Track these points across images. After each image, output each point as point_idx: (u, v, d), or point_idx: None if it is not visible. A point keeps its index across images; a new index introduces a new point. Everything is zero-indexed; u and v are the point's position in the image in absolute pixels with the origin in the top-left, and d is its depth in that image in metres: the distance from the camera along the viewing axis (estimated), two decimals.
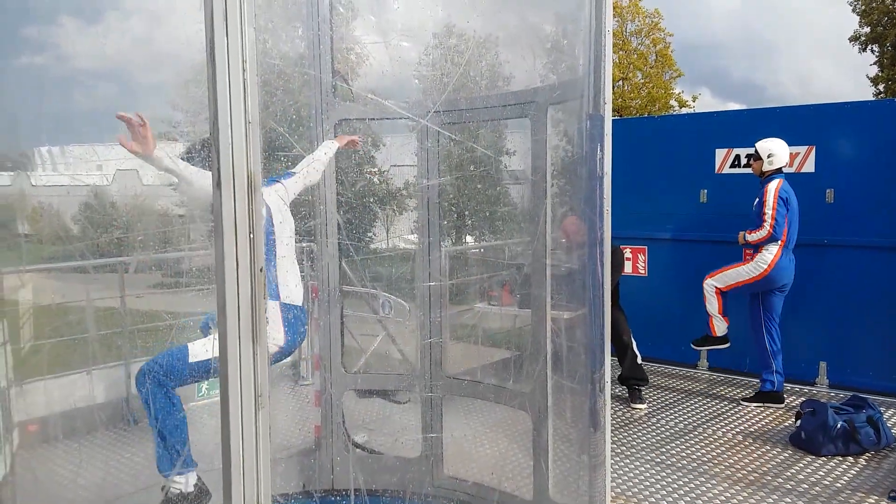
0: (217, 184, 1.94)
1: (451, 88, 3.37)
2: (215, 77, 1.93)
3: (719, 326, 6.00)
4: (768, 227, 5.67)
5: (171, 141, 4.44)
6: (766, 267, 5.74)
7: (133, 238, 4.34)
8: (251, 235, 1.97)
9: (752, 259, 5.82)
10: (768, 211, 5.68)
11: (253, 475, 1.98)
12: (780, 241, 5.70)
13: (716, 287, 5.94)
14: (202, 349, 3.09)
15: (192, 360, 3.08)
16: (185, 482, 3.10)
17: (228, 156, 1.94)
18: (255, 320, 1.98)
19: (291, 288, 3.31)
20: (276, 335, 3.22)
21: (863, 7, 25.68)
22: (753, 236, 5.77)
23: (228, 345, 1.95)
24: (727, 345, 6.06)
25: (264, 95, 3.35)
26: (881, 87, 25.89)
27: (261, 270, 2.00)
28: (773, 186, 5.74)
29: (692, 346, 6.25)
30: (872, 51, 26.15)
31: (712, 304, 5.96)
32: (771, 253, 5.73)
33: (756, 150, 5.92)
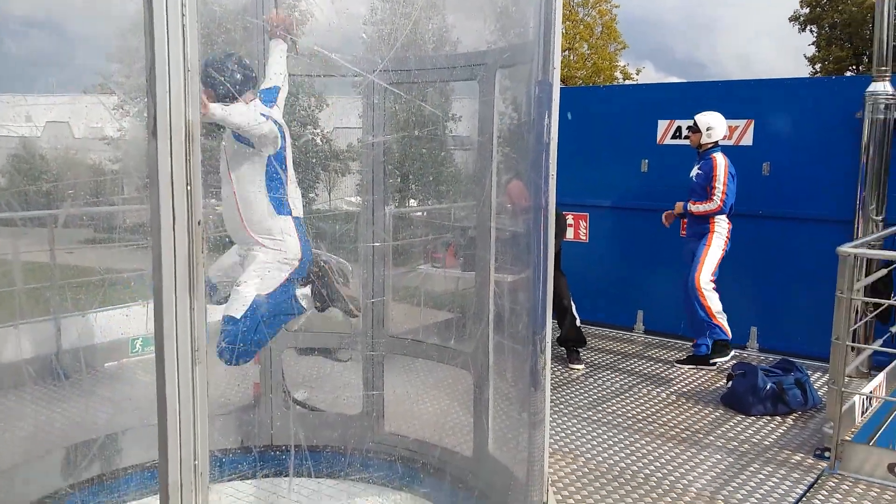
0: (153, 133, 1.87)
1: (399, 45, 3.33)
2: (153, 22, 1.85)
3: (727, 326, 5.96)
4: (718, 201, 5.83)
5: (107, 94, 4.29)
6: (725, 237, 5.93)
7: (63, 190, 4.19)
8: (188, 187, 1.92)
9: (715, 236, 5.91)
10: (719, 185, 5.82)
11: (190, 430, 1.95)
12: (727, 213, 5.87)
13: (712, 282, 5.90)
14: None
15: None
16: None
17: (165, 104, 1.87)
18: (193, 274, 1.94)
19: (296, 201, 3.41)
20: (295, 250, 3.35)
21: None
22: (700, 207, 5.90)
23: (164, 298, 1.90)
24: (732, 351, 6.11)
25: (205, 46, 3.23)
26: (818, 66, 26.56)
27: (198, 223, 1.95)
28: (722, 161, 5.88)
29: (709, 362, 6.09)
30: (811, 31, 26.77)
31: (715, 302, 5.89)
32: (726, 222, 5.92)
33: (695, 123, 6.02)
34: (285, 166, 3.35)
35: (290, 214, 3.37)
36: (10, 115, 4.24)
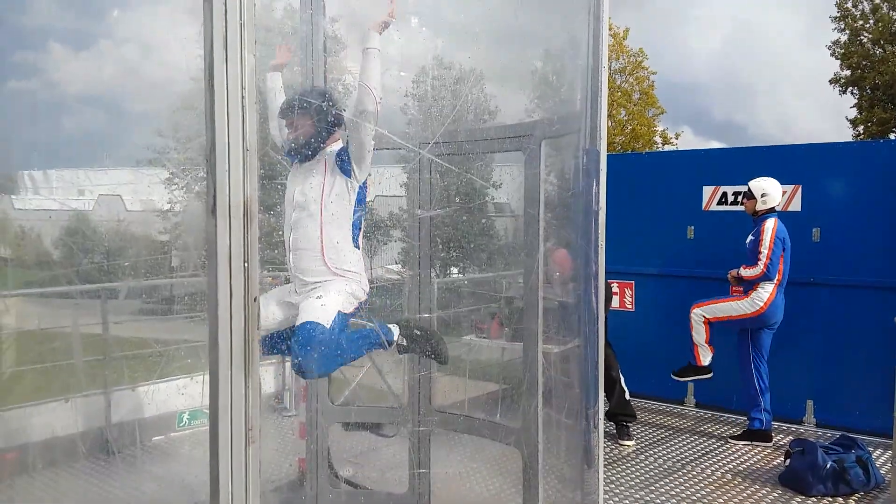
0: (212, 211, 1.89)
1: (450, 119, 3.38)
2: (213, 102, 1.89)
3: (705, 356, 5.97)
4: (762, 266, 5.71)
5: (160, 167, 4.42)
6: (762, 305, 5.76)
7: (120, 264, 4.27)
8: (245, 265, 1.93)
9: (747, 296, 5.82)
10: (764, 250, 5.72)
11: None
12: (774, 280, 5.73)
13: (704, 317, 5.93)
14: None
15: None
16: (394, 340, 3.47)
17: (225, 183, 1.89)
18: (248, 352, 1.92)
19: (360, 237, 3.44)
20: (366, 285, 3.39)
21: (842, 51, 26.23)
22: (748, 272, 5.80)
23: (221, 376, 1.89)
24: (710, 375, 6.02)
25: (261, 123, 3.32)
26: (860, 128, 26.34)
27: (255, 300, 1.95)
28: (770, 225, 5.78)
29: (673, 376, 6.19)
30: (852, 93, 26.65)
31: (700, 334, 5.94)
32: (767, 291, 5.76)
33: (749, 189, 5.95)
34: (364, 198, 3.38)
35: (360, 249, 3.39)
36: (66, 190, 4.37)
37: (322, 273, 3.27)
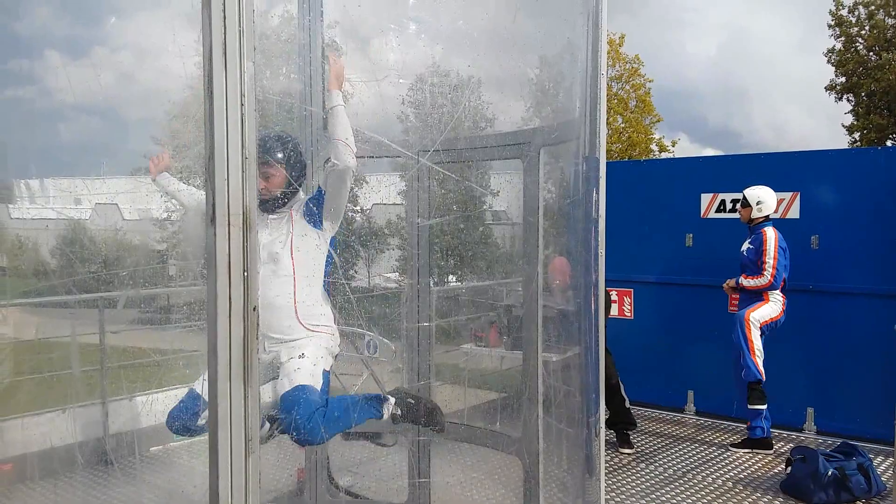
0: (211, 220, 1.88)
1: (450, 127, 3.37)
2: (213, 111, 1.88)
3: (761, 366, 5.75)
4: (769, 276, 5.72)
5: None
6: (780, 309, 5.81)
7: (117, 273, 4.25)
8: (245, 273, 1.91)
9: (764, 302, 5.80)
10: (769, 260, 5.72)
11: None
12: (779, 288, 5.74)
13: (759, 322, 5.77)
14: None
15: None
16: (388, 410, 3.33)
17: (224, 191, 1.88)
18: (247, 361, 1.91)
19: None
20: (338, 339, 3.29)
21: (838, 58, 26.32)
22: (752, 282, 5.79)
23: (219, 386, 1.87)
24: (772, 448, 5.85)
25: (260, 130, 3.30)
26: (856, 135, 26.41)
27: (254, 309, 1.93)
28: (772, 235, 5.79)
29: (734, 449, 5.93)
30: (848, 100, 26.72)
31: (758, 339, 5.75)
32: (780, 296, 5.80)
33: (745, 197, 5.95)
34: (335, 248, 3.30)
35: (330, 299, 3.28)
36: (62, 199, 4.35)
37: (296, 331, 3.13)
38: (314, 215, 3.20)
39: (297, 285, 3.13)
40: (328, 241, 3.22)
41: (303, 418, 2.88)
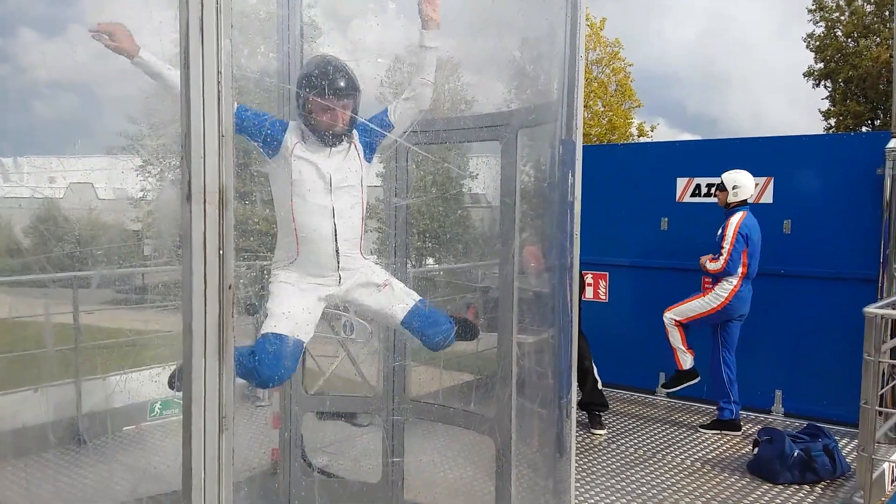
0: (187, 198, 1.87)
1: (428, 107, 3.36)
2: (189, 88, 1.87)
3: (685, 359, 6.00)
4: (722, 262, 5.77)
5: (133, 154, 4.35)
6: (723, 298, 5.83)
7: (92, 252, 4.22)
8: (220, 252, 1.91)
9: (710, 290, 5.89)
10: (726, 245, 5.77)
11: (214, 500, 1.90)
12: (737, 274, 5.79)
13: (674, 319, 5.98)
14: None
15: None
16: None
17: (200, 168, 1.87)
18: (223, 339, 1.91)
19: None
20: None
21: (817, 43, 26.53)
22: (712, 265, 5.85)
23: (194, 364, 1.87)
24: (697, 379, 6.04)
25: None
26: (832, 121, 26.70)
27: (229, 287, 1.93)
28: (734, 220, 5.82)
29: (663, 389, 6.24)
30: (825, 86, 26.98)
31: (675, 337, 5.99)
32: (731, 284, 5.81)
33: (722, 182, 5.99)
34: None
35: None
36: (37, 177, 4.30)
37: (358, 261, 3.23)
38: (370, 147, 3.21)
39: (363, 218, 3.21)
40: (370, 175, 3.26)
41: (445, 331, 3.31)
